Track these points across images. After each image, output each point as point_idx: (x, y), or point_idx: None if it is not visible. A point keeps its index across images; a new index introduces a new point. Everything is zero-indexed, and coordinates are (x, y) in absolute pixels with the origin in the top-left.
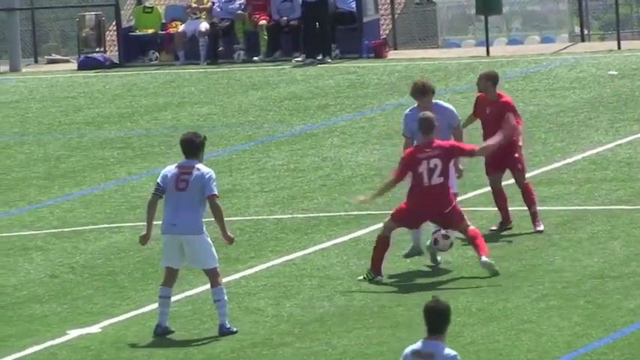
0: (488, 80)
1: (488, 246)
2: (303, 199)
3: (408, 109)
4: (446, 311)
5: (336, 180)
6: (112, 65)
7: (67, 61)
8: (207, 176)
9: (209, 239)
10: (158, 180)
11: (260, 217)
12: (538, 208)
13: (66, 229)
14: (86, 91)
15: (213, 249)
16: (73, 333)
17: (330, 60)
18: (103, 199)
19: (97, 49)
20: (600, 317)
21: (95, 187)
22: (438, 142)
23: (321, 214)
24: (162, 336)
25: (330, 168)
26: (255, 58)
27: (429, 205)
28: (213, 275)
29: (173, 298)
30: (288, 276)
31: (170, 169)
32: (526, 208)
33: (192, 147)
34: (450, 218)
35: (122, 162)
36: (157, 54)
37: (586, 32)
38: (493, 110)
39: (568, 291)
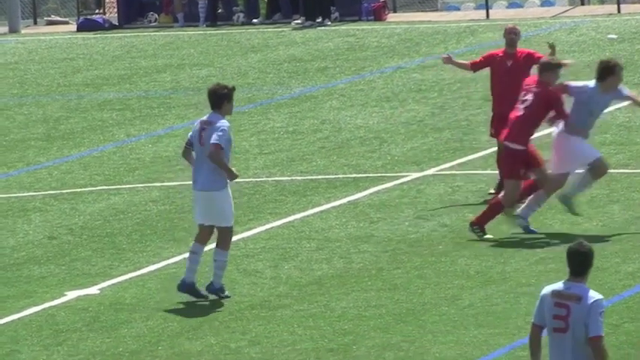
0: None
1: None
2: (301, 162)
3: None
4: (589, 254)
5: (335, 142)
6: (111, 27)
7: (67, 23)
8: (217, 127)
9: (229, 198)
10: (189, 134)
11: (259, 180)
12: None
13: (65, 191)
14: (85, 53)
15: (232, 209)
16: (71, 294)
17: (329, 23)
18: (102, 160)
19: (97, 11)
20: (599, 281)
21: (94, 149)
22: (550, 85)
23: (320, 177)
24: (185, 293)
25: (328, 130)
26: (254, 21)
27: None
28: (223, 235)
29: (171, 260)
30: (286, 238)
31: (197, 122)
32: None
33: (215, 98)
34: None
35: (121, 124)
36: (156, 16)
37: None
38: (515, 62)
39: None
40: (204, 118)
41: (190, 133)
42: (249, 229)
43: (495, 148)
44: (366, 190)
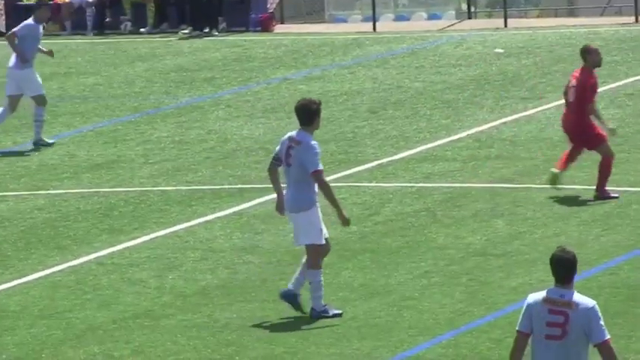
0: None
1: (372, 228)
2: (187, 172)
3: None
4: (574, 260)
5: (221, 153)
6: None
7: None
8: (308, 149)
9: (315, 217)
10: (276, 148)
11: (144, 189)
12: (422, 185)
13: None
14: None
15: (318, 227)
16: None
17: (217, 33)
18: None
19: None
20: (482, 295)
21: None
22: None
23: (205, 187)
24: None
25: (214, 141)
26: (142, 30)
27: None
28: (310, 254)
29: (56, 268)
30: (171, 248)
31: (284, 139)
32: (410, 184)
33: (307, 114)
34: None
35: (7, 131)
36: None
37: (473, 9)
38: None
39: (450, 268)
40: (293, 134)
41: (278, 148)
42: (134, 238)
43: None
44: (251, 201)
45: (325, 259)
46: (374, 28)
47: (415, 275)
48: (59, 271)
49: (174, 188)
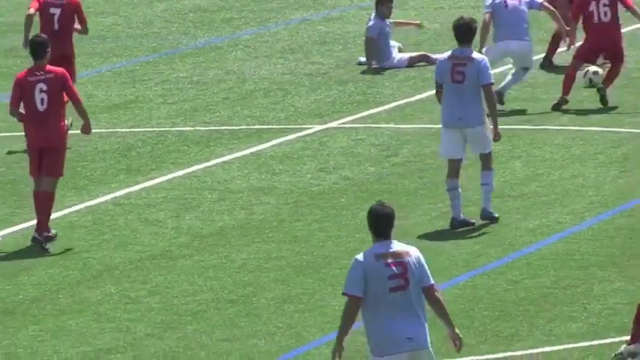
0: None
1: (389, 169)
2: (205, 112)
3: None
4: (392, 215)
5: (239, 93)
6: None
7: None
8: (482, 64)
9: (489, 126)
10: (434, 76)
11: (162, 129)
12: (440, 126)
13: None
14: None
15: (490, 135)
16: None
17: None
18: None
19: None
20: (499, 236)
21: (1, 95)
22: None
23: (223, 128)
24: (457, 228)
25: (233, 81)
26: None
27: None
28: (488, 159)
29: (73, 208)
30: (188, 188)
31: (443, 60)
32: (428, 126)
33: (469, 32)
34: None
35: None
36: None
37: None
38: None
39: (468, 209)
40: (456, 53)
41: (436, 76)
42: (152, 178)
43: None
44: (269, 142)
45: (342, 200)
46: None
47: (432, 217)
48: (76, 211)
49: (191, 129)
